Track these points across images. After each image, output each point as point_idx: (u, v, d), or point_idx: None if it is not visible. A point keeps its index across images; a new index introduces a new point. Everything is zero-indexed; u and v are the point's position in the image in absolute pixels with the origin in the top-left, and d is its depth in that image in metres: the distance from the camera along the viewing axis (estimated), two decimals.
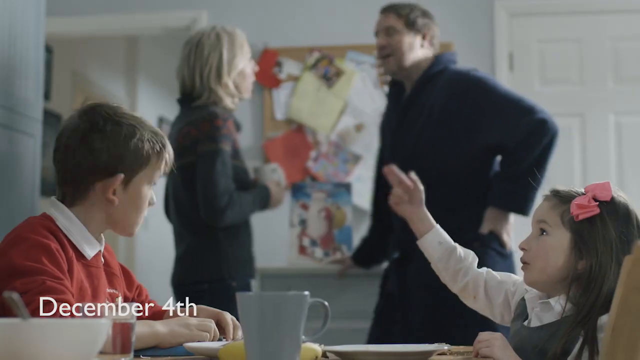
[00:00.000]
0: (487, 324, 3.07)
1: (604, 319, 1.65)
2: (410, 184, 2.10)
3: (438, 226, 2.10)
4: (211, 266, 3.05)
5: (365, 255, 3.66)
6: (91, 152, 1.79)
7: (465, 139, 3.12)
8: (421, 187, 2.13)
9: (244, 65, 3.16)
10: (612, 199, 1.75)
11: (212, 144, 3.00)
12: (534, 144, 3.06)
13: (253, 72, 3.24)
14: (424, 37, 3.25)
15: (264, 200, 3.18)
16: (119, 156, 1.79)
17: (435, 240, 2.07)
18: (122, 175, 1.80)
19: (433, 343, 2.92)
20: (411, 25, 3.24)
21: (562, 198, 1.79)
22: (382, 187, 3.33)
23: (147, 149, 1.81)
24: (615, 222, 1.74)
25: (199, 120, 3.04)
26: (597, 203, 1.74)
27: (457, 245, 2.09)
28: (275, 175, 3.31)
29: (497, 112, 3.10)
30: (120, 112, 1.83)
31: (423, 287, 3.10)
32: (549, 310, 1.76)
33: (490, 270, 2.03)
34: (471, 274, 2.03)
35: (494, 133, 3.09)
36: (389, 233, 3.36)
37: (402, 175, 2.12)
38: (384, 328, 3.26)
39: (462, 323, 2.99)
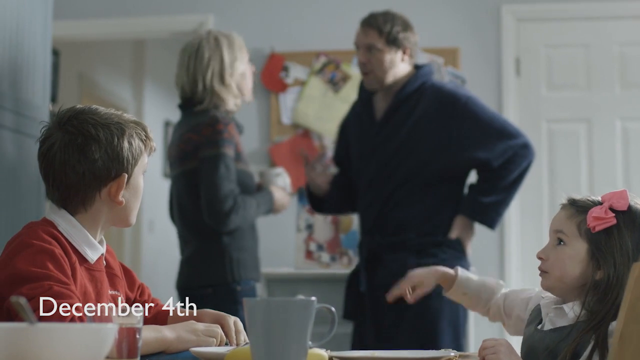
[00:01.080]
0: (456, 324, 3.16)
1: (614, 325, 1.65)
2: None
3: (459, 274, 2.11)
4: (215, 270, 3.05)
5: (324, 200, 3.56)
6: (93, 162, 1.79)
7: (449, 154, 3.21)
8: (420, 291, 2.19)
9: (245, 67, 3.17)
10: (629, 207, 1.75)
11: (214, 149, 2.99)
12: (515, 166, 3.24)
13: (252, 74, 3.26)
14: (404, 52, 3.28)
15: (268, 205, 3.18)
16: (118, 158, 1.80)
17: (459, 293, 2.09)
18: (126, 176, 1.81)
19: (404, 342, 2.99)
20: (392, 42, 3.25)
21: (579, 208, 1.79)
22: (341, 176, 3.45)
23: (138, 142, 1.83)
24: (632, 231, 1.74)
25: (200, 126, 3.04)
26: (614, 213, 1.74)
27: (481, 283, 2.10)
28: (280, 180, 3.30)
29: (485, 133, 3.22)
30: (102, 114, 1.83)
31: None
32: (563, 316, 1.77)
33: (511, 290, 2.06)
34: (493, 302, 2.05)
35: (480, 152, 3.22)
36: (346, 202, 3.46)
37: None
38: (356, 330, 3.30)
39: (432, 322, 3.13)
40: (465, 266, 3.24)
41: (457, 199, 3.28)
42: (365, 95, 3.39)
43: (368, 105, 3.37)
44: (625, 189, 1.78)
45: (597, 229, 1.74)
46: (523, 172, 3.26)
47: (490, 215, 3.27)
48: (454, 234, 3.25)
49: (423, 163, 3.21)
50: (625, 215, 1.74)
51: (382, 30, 3.25)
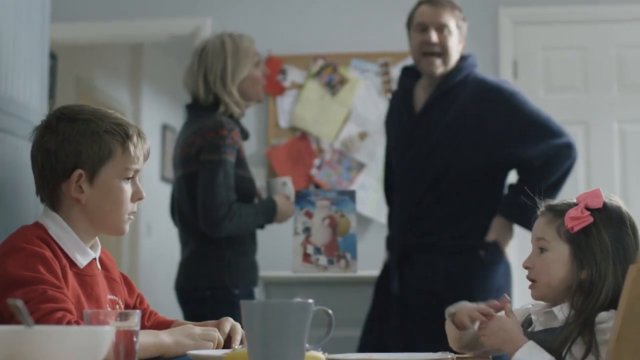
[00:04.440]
0: None
1: (602, 316, 1.69)
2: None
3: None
4: (214, 273, 3.04)
5: None
6: (47, 153, 1.77)
7: (490, 150, 3.11)
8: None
9: (250, 70, 3.13)
10: (604, 205, 1.79)
11: (215, 154, 2.98)
12: (557, 166, 3.11)
13: (264, 75, 3.21)
14: (460, 40, 3.17)
15: (270, 214, 3.14)
16: (74, 153, 1.76)
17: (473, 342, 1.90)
18: (79, 172, 1.76)
19: (432, 347, 2.93)
20: (460, 27, 3.15)
21: (556, 212, 1.84)
22: (391, 175, 3.35)
23: (107, 140, 1.77)
24: (610, 227, 1.77)
25: (204, 129, 3.03)
26: (590, 212, 1.77)
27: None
28: (286, 189, 3.27)
29: (528, 129, 3.11)
30: (78, 109, 1.80)
31: (422, 292, 3.12)
32: (553, 319, 1.79)
33: None
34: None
35: (521, 149, 3.10)
36: None
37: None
38: (379, 332, 3.24)
39: None
40: (504, 269, 3.16)
41: (496, 200, 3.14)
42: (406, 84, 3.28)
43: (409, 96, 3.25)
44: (599, 188, 1.81)
45: (575, 228, 1.77)
46: (565, 173, 3.13)
47: (529, 217, 3.16)
48: (491, 236, 3.12)
49: (461, 159, 3.10)
50: (602, 213, 1.77)
51: (453, 11, 3.13)
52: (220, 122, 3.02)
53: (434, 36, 3.10)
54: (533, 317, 1.83)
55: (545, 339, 1.75)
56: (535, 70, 4.55)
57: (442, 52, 3.11)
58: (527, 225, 3.15)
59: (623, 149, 4.46)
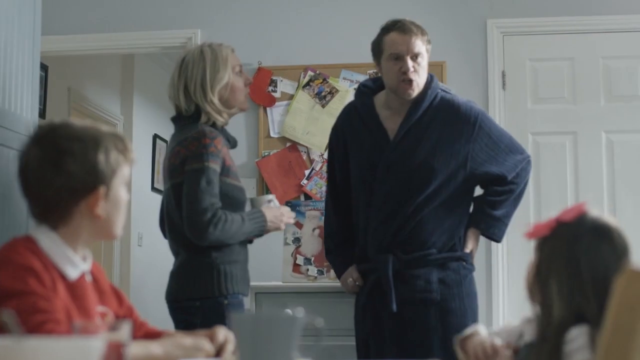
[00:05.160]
0: None
1: (571, 333, 1.68)
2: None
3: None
4: (203, 283, 3.04)
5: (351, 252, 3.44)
6: (68, 175, 1.78)
7: (467, 170, 3.24)
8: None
9: (229, 78, 3.14)
10: (579, 219, 1.77)
11: (198, 163, 2.99)
12: (521, 180, 3.35)
13: (246, 84, 3.23)
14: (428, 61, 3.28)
15: (258, 223, 3.13)
16: (94, 170, 1.80)
17: None
18: (103, 188, 1.81)
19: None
20: (428, 51, 3.24)
21: None
22: (339, 191, 3.42)
23: (115, 154, 1.83)
24: (571, 243, 1.75)
25: (188, 140, 3.05)
26: (556, 225, 1.78)
27: None
28: (272, 205, 3.27)
29: (500, 147, 3.29)
30: (76, 128, 1.83)
31: (418, 304, 3.18)
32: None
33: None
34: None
35: (494, 167, 3.28)
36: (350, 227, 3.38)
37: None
38: (377, 351, 3.25)
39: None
40: (474, 278, 3.35)
41: (469, 213, 3.34)
42: (367, 101, 3.32)
43: (374, 115, 3.29)
44: (584, 202, 1.81)
45: (530, 238, 1.80)
46: (525, 186, 3.37)
47: (502, 229, 3.35)
48: (470, 246, 3.31)
49: (444, 180, 3.21)
50: (569, 228, 1.76)
51: (423, 36, 3.21)
52: (203, 132, 3.04)
53: (411, 66, 3.18)
54: (525, 328, 1.85)
55: (526, 352, 1.76)
56: (523, 81, 4.57)
57: (417, 78, 3.19)
58: (498, 235, 3.32)
59: (611, 159, 4.48)
